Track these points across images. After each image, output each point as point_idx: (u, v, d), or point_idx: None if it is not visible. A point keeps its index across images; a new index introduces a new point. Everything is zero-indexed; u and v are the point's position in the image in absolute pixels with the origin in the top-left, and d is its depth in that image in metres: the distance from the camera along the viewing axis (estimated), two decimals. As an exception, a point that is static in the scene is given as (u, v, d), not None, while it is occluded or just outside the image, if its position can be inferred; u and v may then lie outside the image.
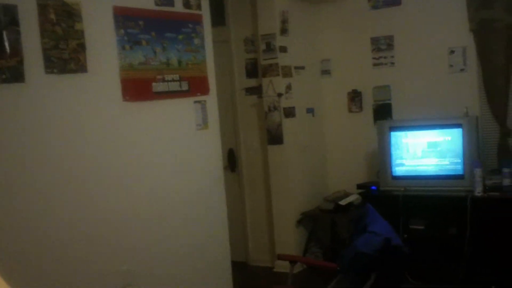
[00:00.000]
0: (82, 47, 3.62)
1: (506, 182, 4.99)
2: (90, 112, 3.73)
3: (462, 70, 5.64)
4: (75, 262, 3.59)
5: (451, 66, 5.68)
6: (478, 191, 5.02)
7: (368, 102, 6.19)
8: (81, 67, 3.63)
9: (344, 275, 3.66)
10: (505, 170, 5.01)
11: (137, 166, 4.07)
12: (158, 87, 4.24)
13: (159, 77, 4.24)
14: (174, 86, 4.38)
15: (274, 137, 5.90)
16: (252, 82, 6.16)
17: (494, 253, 4.93)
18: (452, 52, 5.66)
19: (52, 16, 3.45)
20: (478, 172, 5.03)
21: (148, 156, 4.15)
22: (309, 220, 6.05)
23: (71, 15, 3.56)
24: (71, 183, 3.59)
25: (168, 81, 4.32)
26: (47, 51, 3.42)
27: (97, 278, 3.73)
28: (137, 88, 4.07)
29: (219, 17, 5.96)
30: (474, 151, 5.17)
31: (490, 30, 5.42)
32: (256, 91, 6.11)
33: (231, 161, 6.30)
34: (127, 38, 3.97)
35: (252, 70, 6.14)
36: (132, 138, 4.04)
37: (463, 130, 5.19)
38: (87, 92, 3.70)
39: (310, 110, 6.26)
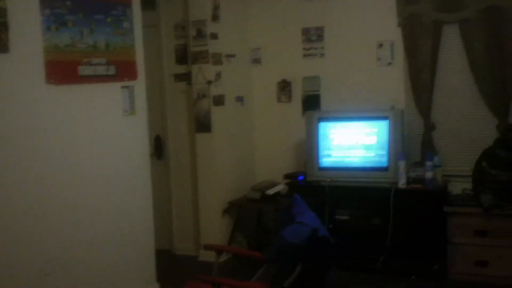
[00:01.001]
0: (4, 25, 3.46)
1: (428, 175, 5.11)
2: (12, 94, 3.59)
3: (389, 63, 5.73)
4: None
5: (379, 59, 5.77)
6: (402, 183, 5.14)
7: (298, 93, 6.20)
8: (3, 47, 3.47)
9: (270, 265, 3.66)
10: (428, 163, 5.13)
11: (60, 150, 3.96)
12: (84, 70, 4.12)
13: (85, 60, 4.12)
14: (101, 70, 4.27)
15: (203, 125, 5.83)
16: (182, 69, 6.05)
17: (415, 243, 5.06)
18: (381, 45, 5.75)
19: (-28, -8, 3.28)
20: (402, 164, 5.14)
21: (72, 141, 4.05)
22: (236, 210, 6.03)
23: (-7, -9, 3.40)
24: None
25: (95, 64, 4.20)
26: (-34, 28, 3.26)
27: (17, 265, 3.61)
28: (62, 70, 3.94)
29: (149, 1, 5.82)
30: (399, 144, 5.26)
31: (417, 26, 5.53)
32: (185, 77, 6.01)
33: (158, 148, 6.20)
34: (53, 18, 3.83)
35: (182, 56, 6.04)
36: (56, 122, 3.92)
37: (389, 123, 5.27)
38: (9, 73, 3.56)
39: (239, 99, 6.22)
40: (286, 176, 5.83)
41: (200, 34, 5.74)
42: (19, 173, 3.64)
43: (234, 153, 6.14)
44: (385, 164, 5.30)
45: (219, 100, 5.87)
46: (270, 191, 5.75)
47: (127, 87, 4.55)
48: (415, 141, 5.59)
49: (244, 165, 6.31)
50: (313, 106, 6.03)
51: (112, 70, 4.36)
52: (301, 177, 5.67)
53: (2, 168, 3.53)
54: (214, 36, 5.78)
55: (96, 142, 4.26)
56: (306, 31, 6.11)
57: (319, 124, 5.53)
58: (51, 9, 3.82)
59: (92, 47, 4.16)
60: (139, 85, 4.68)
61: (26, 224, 3.67)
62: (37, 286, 3.73)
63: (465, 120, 5.48)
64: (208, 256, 5.21)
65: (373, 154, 5.38)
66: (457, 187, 5.26)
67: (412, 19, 5.55)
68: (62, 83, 3.93)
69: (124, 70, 4.50)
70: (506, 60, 5.22)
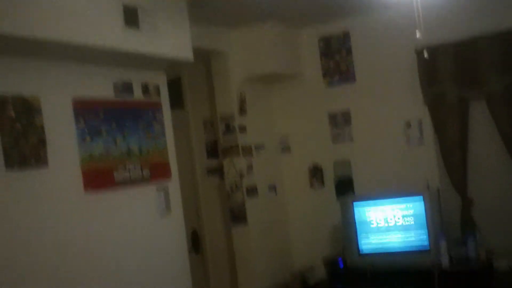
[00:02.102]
0: (42, 142, 3.56)
1: (471, 253, 5.00)
2: (51, 207, 3.65)
3: (419, 142, 5.71)
4: None
5: (409, 139, 5.76)
6: (445, 263, 5.02)
7: (330, 177, 6.20)
8: (42, 163, 3.56)
9: None
10: (470, 242, 5.03)
11: (101, 256, 3.99)
12: (119, 176, 4.19)
13: (120, 166, 4.20)
14: (136, 174, 4.34)
15: (238, 217, 5.83)
16: (213, 163, 6.13)
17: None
18: (409, 125, 5.74)
19: (12, 113, 3.39)
20: (443, 244, 5.04)
21: (111, 246, 4.09)
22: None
23: (31, 110, 3.51)
24: (33, 281, 3.46)
25: (129, 169, 4.28)
26: (7, 149, 3.34)
27: None
28: (98, 178, 4.01)
29: (177, 100, 5.97)
30: (437, 224, 5.17)
31: (443, 104, 5.50)
32: (217, 171, 6.07)
33: (195, 242, 6.19)
34: (88, 129, 3.94)
35: (213, 151, 6.12)
36: (95, 229, 3.97)
37: (425, 203, 5.18)
38: (48, 187, 3.64)
39: (272, 188, 6.24)
40: (325, 260, 5.72)
41: (228, 129, 5.82)
42: (64, 279, 3.67)
43: (271, 242, 6.09)
44: (426, 245, 5.16)
45: (252, 192, 5.89)
46: (311, 280, 5.65)
47: (162, 188, 4.60)
48: (453, 218, 5.48)
49: (281, 253, 6.24)
50: (347, 190, 6.02)
51: (146, 173, 4.43)
52: (341, 263, 5.57)
53: (49, 272, 3.57)
54: (242, 129, 5.86)
55: (134, 244, 4.29)
56: (332, 116, 6.16)
57: (354, 209, 5.48)
58: (85, 121, 3.93)
59: (125, 153, 4.25)
60: (174, 185, 4.75)
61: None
62: None
63: (503, 194, 5.36)
64: None
65: (412, 235, 5.27)
66: (503, 264, 5.10)
67: (437, 98, 5.54)
68: (99, 190, 4.00)
69: (158, 172, 4.57)
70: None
